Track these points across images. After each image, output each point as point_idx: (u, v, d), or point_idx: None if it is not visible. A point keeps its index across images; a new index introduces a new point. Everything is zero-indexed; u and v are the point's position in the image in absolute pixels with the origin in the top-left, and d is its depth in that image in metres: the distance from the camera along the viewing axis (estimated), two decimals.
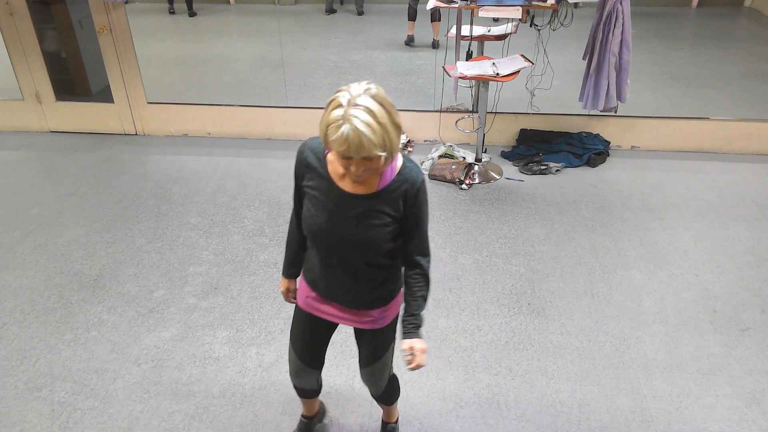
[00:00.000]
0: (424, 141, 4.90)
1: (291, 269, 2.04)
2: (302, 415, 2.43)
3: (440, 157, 4.57)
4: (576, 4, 4.10)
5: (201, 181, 4.36)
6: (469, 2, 4.09)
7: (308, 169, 1.74)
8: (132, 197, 4.17)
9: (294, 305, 2.07)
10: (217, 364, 2.80)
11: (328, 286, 1.88)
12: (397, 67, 6.10)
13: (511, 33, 4.54)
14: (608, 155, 4.62)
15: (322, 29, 7.37)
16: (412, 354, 1.78)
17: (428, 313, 3.08)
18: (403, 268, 1.87)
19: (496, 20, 4.54)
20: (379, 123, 1.48)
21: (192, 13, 7.66)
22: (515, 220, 3.86)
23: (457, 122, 4.69)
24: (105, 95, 5.03)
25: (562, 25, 4.15)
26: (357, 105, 1.47)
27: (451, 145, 4.68)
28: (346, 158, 1.52)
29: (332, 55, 6.44)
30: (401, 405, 2.58)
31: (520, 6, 4.01)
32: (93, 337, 2.97)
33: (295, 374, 2.14)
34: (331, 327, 2.05)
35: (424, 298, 1.84)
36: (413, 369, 1.79)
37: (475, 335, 2.95)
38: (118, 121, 5.10)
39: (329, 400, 2.60)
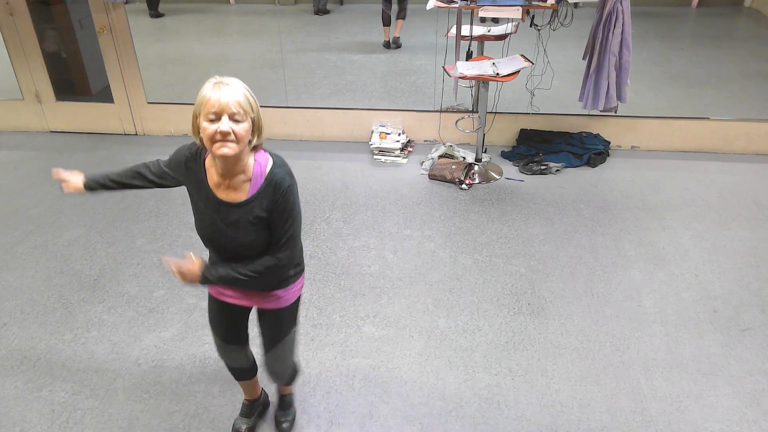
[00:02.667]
0: (424, 141, 4.90)
1: (93, 182, 2.17)
2: (245, 399, 2.50)
3: (440, 157, 4.57)
4: (576, 4, 4.10)
5: None
6: (469, 2, 4.09)
7: (191, 177, 1.87)
8: (132, 197, 4.17)
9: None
10: (217, 364, 2.80)
11: None
12: (397, 67, 6.10)
13: (511, 33, 4.54)
14: (608, 155, 4.62)
15: (322, 29, 7.37)
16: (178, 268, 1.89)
17: (428, 313, 3.09)
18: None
19: (495, 20, 4.54)
20: (247, 91, 1.71)
21: (156, 14, 7.61)
22: (515, 220, 3.86)
23: (457, 122, 4.69)
24: (105, 95, 5.03)
25: (562, 25, 4.15)
26: (228, 78, 1.70)
27: (451, 145, 4.69)
28: (215, 120, 1.66)
29: (332, 55, 6.44)
30: (400, 404, 2.58)
31: (520, 6, 4.01)
32: (93, 337, 2.97)
33: (223, 354, 2.25)
34: (240, 311, 2.16)
35: (239, 272, 1.88)
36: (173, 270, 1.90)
37: (475, 335, 2.95)
38: (118, 121, 5.10)
39: (329, 401, 2.60)
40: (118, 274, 3.42)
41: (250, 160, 1.81)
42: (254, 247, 1.88)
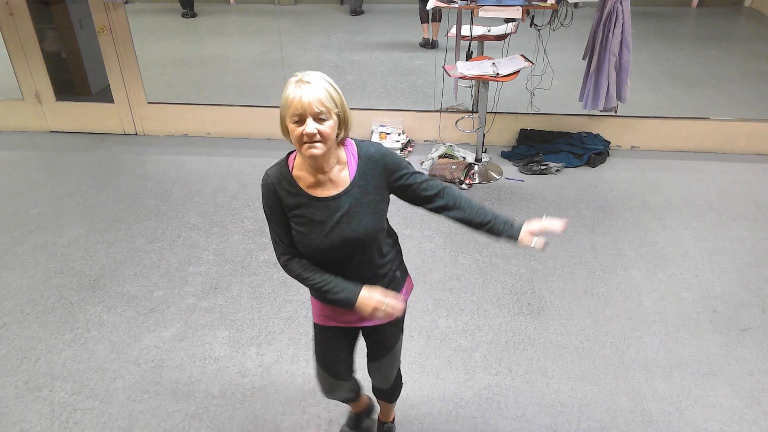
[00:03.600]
0: (424, 141, 4.90)
1: (353, 285, 1.83)
2: (352, 411, 2.45)
3: (440, 157, 4.57)
4: (576, 4, 4.10)
5: (201, 181, 4.37)
6: (469, 2, 4.09)
7: (285, 197, 1.75)
8: (132, 197, 4.17)
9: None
10: (217, 364, 2.80)
11: None
12: (397, 67, 6.10)
13: (511, 33, 4.54)
14: (608, 155, 4.62)
15: (322, 29, 7.37)
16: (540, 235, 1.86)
17: (428, 313, 3.09)
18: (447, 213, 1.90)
19: (507, 21, 4.51)
20: (330, 84, 1.64)
21: (190, 14, 7.64)
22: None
23: (457, 122, 4.69)
24: (105, 95, 5.04)
25: (562, 25, 4.15)
26: (309, 74, 1.64)
27: (451, 145, 4.68)
28: (300, 122, 1.60)
29: (332, 55, 6.44)
30: (401, 404, 2.58)
31: (520, 6, 4.01)
32: (93, 337, 2.97)
33: (329, 391, 2.13)
34: (354, 335, 2.05)
35: (480, 207, 1.86)
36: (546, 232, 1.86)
37: (475, 335, 2.95)
38: (118, 121, 5.10)
39: (329, 401, 2.59)
40: (118, 274, 3.42)
41: (341, 150, 1.75)
42: (372, 232, 1.77)
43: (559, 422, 2.50)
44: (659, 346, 2.88)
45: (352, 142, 1.78)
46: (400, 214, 3.94)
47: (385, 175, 1.77)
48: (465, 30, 4.52)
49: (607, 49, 4.00)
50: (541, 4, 4.01)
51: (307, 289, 1.92)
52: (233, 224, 3.85)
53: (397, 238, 2.00)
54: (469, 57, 4.77)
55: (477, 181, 4.32)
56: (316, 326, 2.02)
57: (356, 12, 7.60)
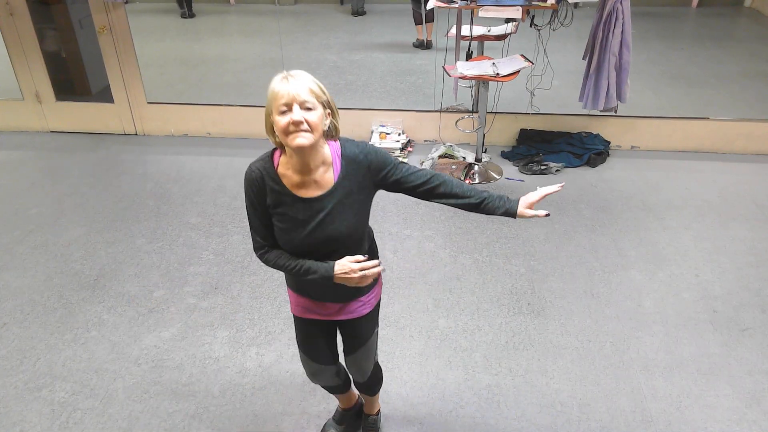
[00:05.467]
0: (424, 141, 4.90)
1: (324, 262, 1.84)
2: (339, 407, 2.46)
3: (440, 157, 4.57)
4: (576, 4, 4.10)
5: (201, 181, 4.36)
6: (469, 2, 4.09)
7: (270, 192, 1.76)
8: (132, 197, 4.17)
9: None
10: (217, 364, 2.80)
11: (319, 288, 1.91)
12: (397, 67, 6.09)
13: (511, 33, 4.54)
14: (608, 155, 4.62)
15: (322, 29, 7.37)
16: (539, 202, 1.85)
17: (428, 313, 3.09)
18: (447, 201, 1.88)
19: (508, 21, 4.50)
20: (315, 81, 1.67)
21: (188, 14, 7.62)
22: (515, 220, 3.86)
23: (457, 122, 4.69)
24: (105, 95, 5.03)
25: (562, 25, 4.15)
26: (294, 71, 1.67)
27: (451, 145, 4.68)
28: (287, 112, 1.61)
29: (332, 55, 6.44)
30: (400, 404, 2.58)
31: (520, 6, 4.01)
32: (93, 337, 2.97)
33: (312, 375, 2.16)
34: (333, 325, 2.07)
35: (471, 187, 1.86)
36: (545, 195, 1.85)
37: (475, 335, 2.95)
38: (118, 121, 5.10)
39: (329, 401, 2.60)
40: (118, 274, 3.41)
41: (326, 149, 1.74)
42: (353, 230, 1.79)
43: (559, 422, 2.50)
44: (659, 346, 2.88)
45: (337, 142, 1.79)
46: (400, 214, 3.94)
47: (371, 175, 1.78)
48: (465, 30, 4.52)
49: (607, 49, 4.00)
50: (541, 4, 4.00)
51: None
52: (233, 224, 3.85)
53: (372, 232, 2.02)
54: (469, 57, 4.76)
55: (477, 181, 4.32)
56: (295, 317, 2.07)
57: (358, 12, 7.60)
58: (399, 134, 4.73)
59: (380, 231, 3.76)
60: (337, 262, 1.79)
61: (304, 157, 1.69)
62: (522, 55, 4.22)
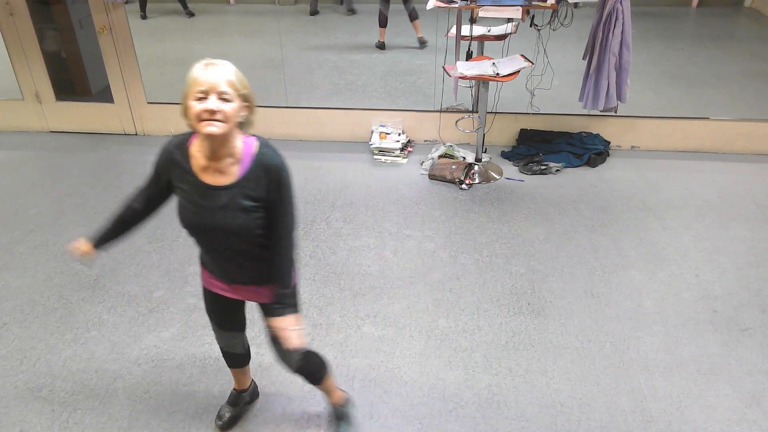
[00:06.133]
0: (424, 141, 4.90)
1: (98, 239, 2.08)
2: (233, 388, 2.51)
3: (440, 157, 4.57)
4: (576, 4, 4.10)
5: None
6: (469, 2, 4.09)
7: (175, 166, 1.85)
8: None
9: None
10: (217, 364, 2.80)
11: (219, 268, 2.01)
12: (397, 67, 6.09)
13: (511, 33, 4.54)
14: (608, 155, 4.62)
15: (322, 29, 7.37)
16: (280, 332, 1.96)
17: (428, 313, 3.09)
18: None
19: (509, 20, 4.51)
20: (238, 73, 1.72)
21: (186, 13, 7.60)
22: (515, 220, 3.86)
23: (457, 122, 4.69)
24: (105, 95, 5.03)
25: (562, 25, 4.15)
26: (217, 60, 1.73)
27: (451, 145, 4.69)
28: (202, 98, 1.66)
29: (332, 55, 6.43)
30: (400, 404, 2.58)
31: (520, 6, 4.01)
32: (93, 337, 2.97)
33: (220, 338, 2.29)
34: (237, 300, 2.18)
35: (288, 274, 1.96)
36: (289, 349, 1.97)
37: (475, 335, 2.95)
38: (118, 121, 5.10)
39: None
40: (118, 274, 3.41)
41: (239, 143, 1.79)
42: (244, 232, 1.84)
43: (559, 422, 2.50)
44: (659, 346, 2.88)
45: (256, 143, 1.82)
46: (400, 214, 3.94)
47: (269, 189, 1.82)
48: (465, 30, 4.52)
49: (607, 49, 4.00)
50: (541, 4, 4.00)
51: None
52: None
53: (289, 266, 2.01)
54: (469, 57, 4.77)
55: (477, 181, 4.32)
56: (203, 288, 2.18)
57: (351, 11, 7.63)
58: (399, 134, 4.73)
59: (380, 231, 3.76)
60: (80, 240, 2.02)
61: (213, 145, 1.76)
62: (522, 55, 4.22)
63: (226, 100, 1.67)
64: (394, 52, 6.51)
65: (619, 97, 4.20)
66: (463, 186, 4.24)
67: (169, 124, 5.07)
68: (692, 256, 3.51)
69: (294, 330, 1.96)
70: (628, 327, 2.99)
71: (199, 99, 1.66)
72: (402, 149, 4.66)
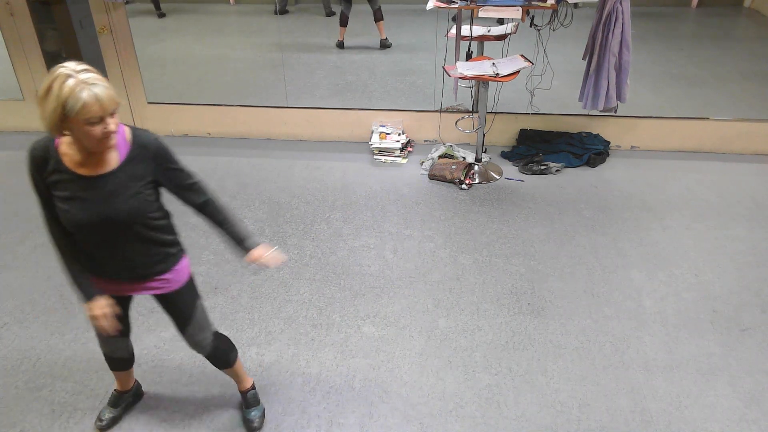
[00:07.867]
0: (424, 141, 4.90)
1: (92, 287, 2.02)
2: (114, 389, 2.53)
3: (440, 157, 4.57)
4: (576, 4, 4.10)
5: None
6: (469, 2, 4.09)
7: (50, 170, 1.82)
8: None
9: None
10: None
11: (111, 267, 1.99)
12: (397, 67, 6.09)
13: (511, 33, 4.54)
14: (608, 155, 4.62)
15: (323, 29, 7.37)
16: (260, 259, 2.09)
17: (428, 313, 3.09)
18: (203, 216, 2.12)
19: (501, 21, 4.52)
20: (109, 86, 1.71)
21: (161, 14, 7.59)
22: (515, 220, 3.86)
23: (457, 122, 4.69)
24: None
25: (562, 25, 4.15)
26: (81, 71, 1.66)
27: (451, 145, 4.69)
28: (97, 122, 1.68)
29: (332, 55, 6.44)
30: (400, 404, 2.58)
31: (520, 6, 4.01)
32: (93, 337, 2.97)
33: (105, 344, 2.31)
34: (126, 299, 2.23)
35: (231, 218, 2.10)
36: (266, 264, 2.11)
37: (475, 335, 2.96)
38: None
39: (329, 401, 2.60)
40: None
41: None
42: (137, 214, 1.88)
43: (559, 422, 2.50)
44: (659, 346, 2.88)
45: (127, 128, 1.88)
46: (400, 214, 3.94)
47: (155, 164, 1.91)
48: (465, 30, 4.52)
49: (607, 50, 4.00)
50: (541, 4, 4.00)
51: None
52: None
53: (182, 250, 2.15)
54: (469, 57, 4.77)
55: (477, 181, 4.32)
56: None
57: (329, 14, 7.63)
58: (399, 134, 4.73)
59: (380, 231, 3.77)
60: (96, 303, 1.99)
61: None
62: (522, 55, 4.22)
63: (113, 114, 1.73)
64: (395, 53, 6.50)
65: (619, 98, 4.20)
66: (463, 186, 4.24)
67: (169, 124, 5.08)
68: (692, 256, 3.51)
69: (271, 253, 2.11)
70: (628, 327, 2.99)
71: (93, 123, 1.68)
72: (402, 149, 4.66)
